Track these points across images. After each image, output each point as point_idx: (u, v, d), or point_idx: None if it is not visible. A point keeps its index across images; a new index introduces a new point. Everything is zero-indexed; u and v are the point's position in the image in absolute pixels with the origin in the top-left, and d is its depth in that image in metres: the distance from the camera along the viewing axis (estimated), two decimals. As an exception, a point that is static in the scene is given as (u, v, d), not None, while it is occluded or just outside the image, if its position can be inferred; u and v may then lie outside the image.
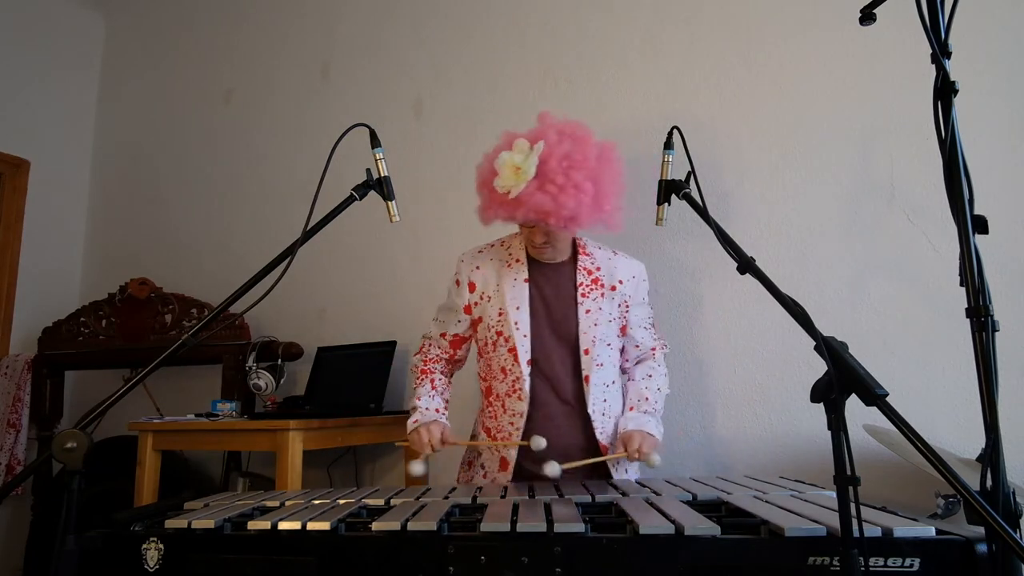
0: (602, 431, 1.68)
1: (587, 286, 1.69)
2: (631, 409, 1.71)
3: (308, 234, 1.30)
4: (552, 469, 1.46)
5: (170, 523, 1.17)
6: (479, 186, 1.62)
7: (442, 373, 1.79)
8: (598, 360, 1.68)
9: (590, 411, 1.66)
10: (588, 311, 1.67)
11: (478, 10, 2.74)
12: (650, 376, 1.76)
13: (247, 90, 3.34)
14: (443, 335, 1.80)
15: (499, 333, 1.68)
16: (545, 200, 1.47)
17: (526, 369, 1.64)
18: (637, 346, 1.79)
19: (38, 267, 3.50)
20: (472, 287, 1.73)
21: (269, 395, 2.66)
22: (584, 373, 1.66)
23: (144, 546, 1.12)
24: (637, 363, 1.81)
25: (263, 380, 2.63)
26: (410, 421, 1.68)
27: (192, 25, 3.59)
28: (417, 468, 1.58)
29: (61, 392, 3.28)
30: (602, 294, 1.69)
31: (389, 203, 1.44)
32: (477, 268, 1.74)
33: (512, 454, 1.67)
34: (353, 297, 2.86)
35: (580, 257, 1.72)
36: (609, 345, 1.71)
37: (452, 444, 1.65)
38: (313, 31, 3.17)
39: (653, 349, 1.80)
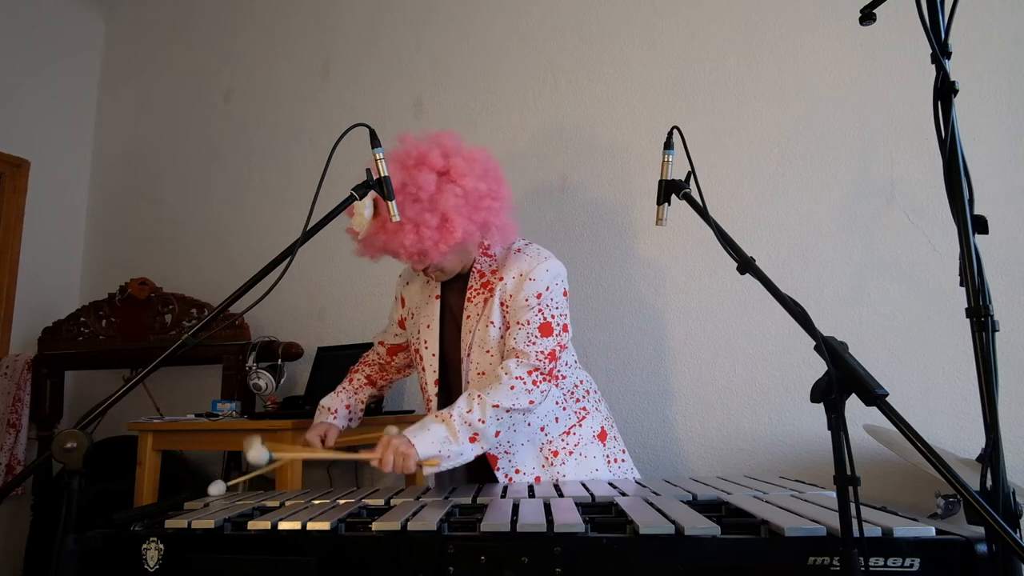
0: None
1: (475, 290, 1.60)
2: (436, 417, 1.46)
3: (308, 234, 1.30)
4: (216, 488, 1.42)
5: (170, 523, 1.17)
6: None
7: (366, 376, 1.83)
8: (478, 368, 1.56)
9: None
10: (468, 316, 1.58)
11: (478, 10, 2.74)
12: (487, 384, 1.48)
13: (247, 90, 3.34)
14: (381, 342, 1.85)
15: (416, 351, 1.68)
16: (386, 239, 1.44)
17: (432, 389, 1.63)
18: (506, 347, 1.54)
19: (38, 267, 3.50)
20: (403, 302, 1.76)
21: (269, 395, 2.66)
22: (465, 380, 1.57)
23: (144, 546, 1.12)
24: (487, 378, 1.54)
25: (263, 380, 2.63)
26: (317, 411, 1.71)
27: (192, 25, 3.59)
28: (214, 489, 1.44)
29: (61, 392, 3.28)
30: (486, 298, 1.57)
31: (389, 203, 1.44)
32: (407, 284, 1.75)
33: (428, 469, 1.50)
34: (353, 297, 2.86)
35: (478, 259, 1.61)
36: (488, 352, 1.56)
37: (324, 449, 1.60)
38: (313, 31, 3.17)
39: (516, 356, 1.50)
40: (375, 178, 1.41)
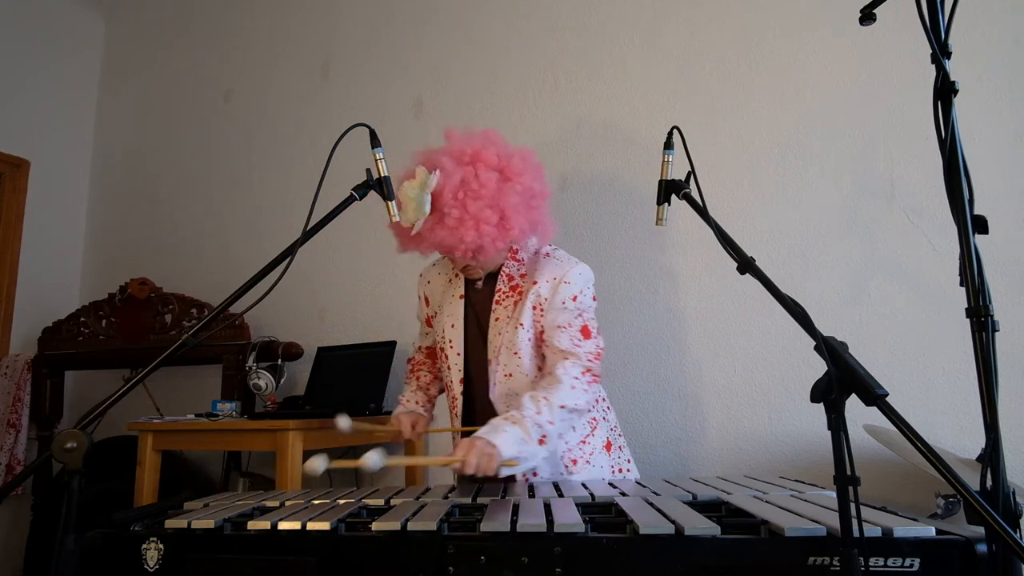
0: None
1: (504, 293, 1.60)
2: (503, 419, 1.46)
3: (308, 234, 1.30)
4: (343, 423, 1.50)
5: (170, 523, 1.17)
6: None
7: (428, 371, 1.84)
8: (505, 371, 1.57)
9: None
10: (497, 319, 1.59)
11: (478, 10, 2.74)
12: (546, 386, 1.50)
13: (247, 90, 3.34)
14: (419, 349, 1.88)
15: (441, 350, 1.69)
16: (444, 235, 1.43)
17: (459, 388, 1.64)
18: (550, 348, 1.56)
19: (38, 267, 3.50)
20: (427, 301, 1.77)
21: (269, 395, 2.66)
22: (491, 384, 1.59)
23: (144, 546, 1.12)
24: (542, 380, 1.55)
25: (263, 380, 2.63)
26: (393, 414, 1.74)
27: (192, 25, 3.59)
28: (373, 458, 1.31)
29: (61, 392, 3.28)
30: (515, 301, 1.58)
31: (389, 203, 1.44)
32: (428, 283, 1.76)
33: (458, 465, 1.58)
34: (353, 297, 2.86)
35: (506, 263, 1.62)
36: (516, 354, 1.56)
37: (426, 431, 1.70)
38: (313, 31, 3.17)
39: (566, 356, 1.53)
40: (375, 178, 1.41)
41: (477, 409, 1.64)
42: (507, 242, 1.51)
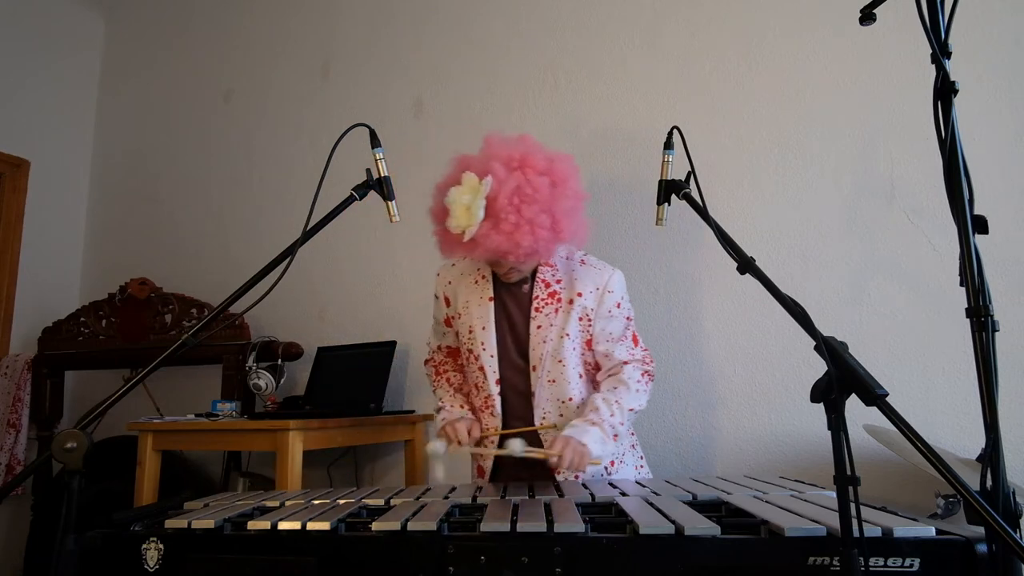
0: (551, 446, 1.56)
1: (542, 300, 1.63)
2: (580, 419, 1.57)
3: (308, 234, 1.30)
4: (518, 446, 1.46)
5: (170, 523, 1.17)
6: (434, 219, 1.57)
7: (454, 371, 1.82)
8: (548, 376, 1.62)
9: (536, 424, 1.63)
10: (539, 327, 1.62)
11: (478, 10, 2.74)
12: (614, 388, 1.61)
13: (247, 90, 3.34)
14: (439, 348, 1.84)
15: (470, 351, 1.68)
16: (501, 240, 1.43)
17: (495, 388, 1.64)
18: (606, 356, 1.65)
19: (38, 267, 3.50)
20: (447, 301, 1.74)
21: (269, 395, 2.66)
22: (532, 389, 1.63)
23: (144, 546, 1.12)
24: (606, 379, 1.66)
25: (263, 380, 2.63)
26: (438, 419, 1.70)
27: (192, 25, 3.59)
28: (516, 446, 1.46)
29: (61, 392, 3.28)
30: (557, 309, 1.62)
31: (389, 203, 1.44)
32: (449, 283, 1.74)
33: (488, 464, 1.68)
34: (353, 297, 2.86)
35: (540, 270, 1.65)
36: (561, 362, 1.62)
37: (475, 449, 1.62)
38: (313, 31, 3.17)
39: (625, 363, 1.64)
40: (375, 178, 1.42)
41: (508, 408, 1.66)
42: (558, 245, 1.54)
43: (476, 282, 1.69)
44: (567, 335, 1.61)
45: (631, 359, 1.65)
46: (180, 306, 3.06)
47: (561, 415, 1.64)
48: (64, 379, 3.31)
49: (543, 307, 1.63)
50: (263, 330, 2.92)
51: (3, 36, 3.44)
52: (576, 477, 1.54)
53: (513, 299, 1.67)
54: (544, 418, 1.64)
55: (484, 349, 1.64)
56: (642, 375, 1.65)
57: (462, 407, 1.70)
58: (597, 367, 1.69)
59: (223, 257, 3.24)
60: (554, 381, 1.63)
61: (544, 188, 1.46)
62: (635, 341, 1.69)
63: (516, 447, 1.45)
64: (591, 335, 1.64)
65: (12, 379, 3.17)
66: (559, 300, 1.63)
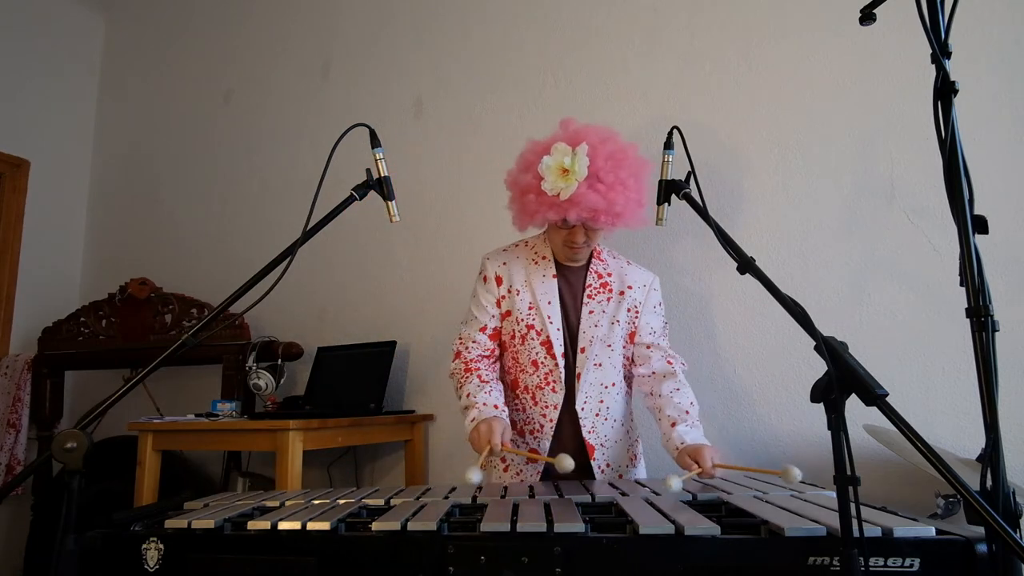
0: (591, 430, 1.70)
1: (595, 288, 1.72)
2: (674, 424, 1.59)
3: (308, 234, 1.30)
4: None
5: (170, 523, 1.17)
6: (519, 194, 1.63)
7: (488, 369, 1.73)
8: (596, 359, 1.70)
9: (578, 407, 1.68)
10: (591, 312, 1.70)
11: (478, 10, 2.74)
12: (678, 390, 1.67)
13: (247, 90, 3.34)
14: (482, 329, 1.74)
15: (530, 327, 1.71)
16: (597, 199, 1.51)
17: (562, 361, 1.68)
18: (649, 347, 1.73)
19: (38, 267, 3.50)
20: (499, 281, 1.75)
21: (269, 395, 2.66)
22: (576, 370, 1.69)
23: (144, 546, 1.12)
24: (662, 377, 1.71)
25: (263, 380, 2.63)
26: (467, 420, 1.59)
27: (192, 25, 3.59)
28: (474, 477, 1.32)
29: (61, 392, 3.28)
30: (608, 298, 1.71)
31: (389, 203, 1.44)
32: (504, 264, 1.76)
33: (545, 444, 1.70)
34: (353, 297, 2.86)
35: (593, 262, 1.75)
36: (610, 347, 1.71)
37: (508, 451, 1.53)
38: (313, 31, 3.17)
39: (670, 361, 1.72)
40: (375, 178, 1.42)
41: (573, 386, 1.70)
42: (638, 216, 1.60)
43: (536, 262, 1.74)
44: (617, 322, 1.71)
45: (675, 359, 1.75)
46: (180, 306, 3.06)
47: (601, 400, 1.70)
48: (64, 379, 3.31)
49: (595, 295, 1.72)
50: (263, 330, 2.92)
51: (3, 36, 3.44)
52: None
53: (567, 284, 1.74)
54: (586, 402, 1.69)
55: (551, 322, 1.68)
56: (684, 375, 1.75)
57: (496, 407, 1.59)
58: (631, 362, 1.77)
59: (223, 257, 3.24)
60: (600, 365, 1.70)
61: (632, 155, 1.58)
62: (668, 342, 1.80)
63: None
64: (635, 327, 1.74)
65: (12, 379, 3.17)
66: (610, 290, 1.73)
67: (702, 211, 1.33)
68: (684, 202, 1.43)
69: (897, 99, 1.99)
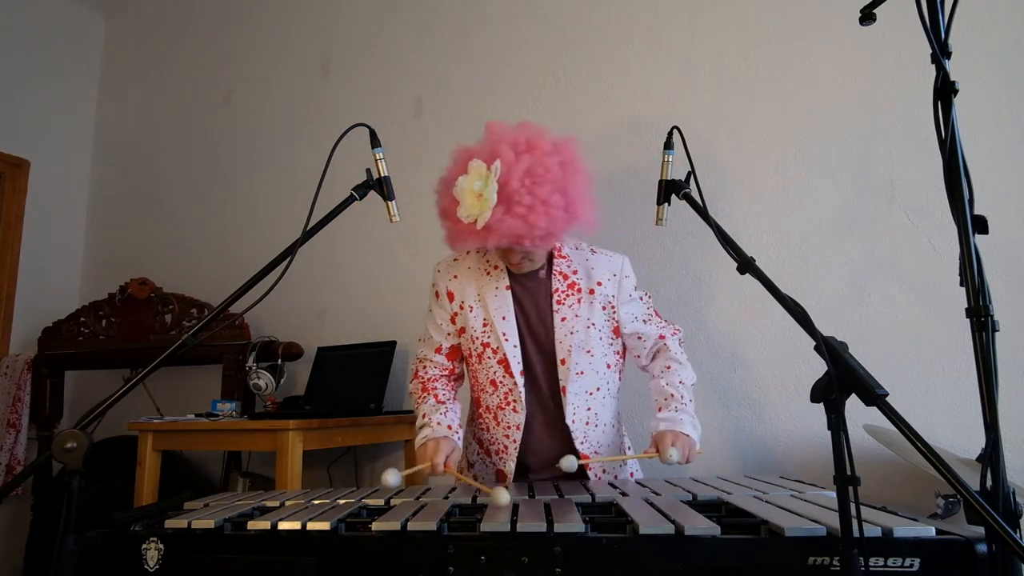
0: (583, 440, 1.62)
1: (563, 292, 1.61)
2: (659, 409, 1.58)
3: (308, 234, 1.30)
4: (569, 463, 1.38)
5: (170, 523, 1.17)
6: (442, 214, 1.53)
7: (445, 388, 1.70)
8: (577, 369, 1.59)
9: (568, 422, 1.60)
10: (564, 319, 1.59)
11: (478, 10, 2.74)
12: (668, 368, 1.63)
13: (247, 90, 3.34)
14: (438, 350, 1.70)
15: (485, 344, 1.61)
16: (515, 224, 1.39)
17: (520, 380, 1.59)
18: (639, 338, 1.66)
19: (38, 267, 3.50)
20: (451, 296, 1.66)
21: (269, 395, 2.66)
22: (561, 384, 1.59)
23: (144, 546, 1.12)
24: (653, 357, 1.68)
25: (263, 380, 2.63)
26: (419, 437, 1.59)
27: (192, 25, 3.59)
28: (392, 479, 1.28)
29: (61, 392, 3.28)
30: (579, 299, 1.60)
31: (389, 203, 1.44)
32: (455, 277, 1.67)
33: (510, 465, 1.61)
34: (353, 297, 2.86)
35: (556, 261, 1.63)
36: (590, 352, 1.60)
37: (450, 472, 1.50)
38: (313, 31, 3.17)
39: (661, 336, 1.66)
40: (375, 178, 1.42)
41: (528, 403, 1.61)
42: (572, 227, 1.49)
43: (488, 273, 1.64)
44: (593, 325, 1.60)
45: (665, 332, 1.67)
46: (180, 306, 3.06)
47: (589, 408, 1.62)
48: (64, 379, 3.31)
49: (565, 299, 1.60)
50: (263, 330, 2.92)
51: (3, 36, 3.44)
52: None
53: (527, 292, 1.62)
54: (575, 413, 1.59)
55: (506, 340, 1.58)
56: (680, 344, 1.68)
57: (449, 427, 1.58)
58: (622, 355, 1.70)
59: (223, 257, 3.24)
60: (582, 373, 1.61)
61: (555, 168, 1.44)
62: (659, 315, 1.71)
63: (567, 464, 1.39)
64: (617, 322, 1.64)
65: (12, 379, 3.17)
66: (579, 290, 1.61)
67: (702, 211, 1.33)
68: (684, 202, 1.43)
69: (897, 99, 1.99)
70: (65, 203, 3.68)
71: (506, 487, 1.25)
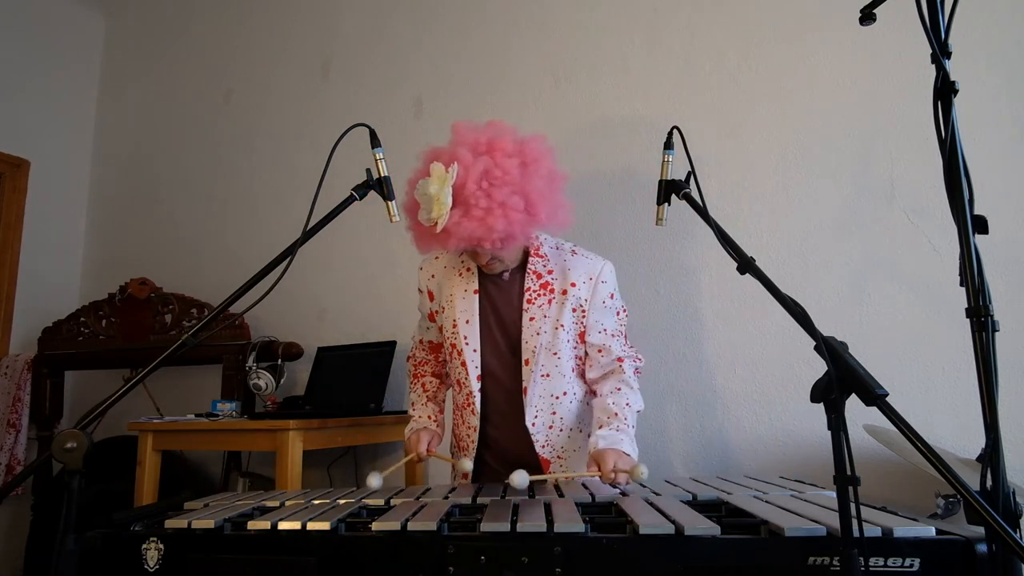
0: (544, 444, 1.61)
1: (534, 291, 1.59)
2: (600, 427, 1.52)
3: (308, 234, 1.30)
4: (520, 479, 1.35)
5: (170, 523, 1.17)
6: (407, 216, 1.54)
7: (432, 375, 1.79)
8: (542, 371, 1.58)
9: (527, 423, 1.59)
10: (532, 319, 1.58)
11: (478, 10, 2.74)
12: (618, 390, 1.58)
13: (247, 90, 3.34)
14: (422, 344, 1.82)
15: (452, 345, 1.64)
16: (473, 226, 1.40)
17: (476, 384, 1.60)
18: (600, 351, 1.61)
19: (38, 267, 3.50)
20: (431, 296, 1.71)
21: (269, 395, 2.66)
22: (523, 384, 1.58)
23: (144, 546, 1.12)
24: (604, 377, 1.62)
25: (263, 380, 2.63)
26: (407, 428, 1.71)
27: (192, 25, 3.59)
28: (374, 481, 1.43)
29: (61, 392, 3.28)
30: (550, 300, 1.58)
31: (389, 203, 1.44)
32: (432, 277, 1.71)
33: (468, 465, 1.62)
34: (353, 297, 2.86)
35: (531, 260, 1.62)
36: (556, 354, 1.59)
37: (433, 456, 1.63)
38: (313, 31, 3.17)
39: (620, 360, 1.61)
40: (375, 178, 1.42)
41: (490, 405, 1.63)
42: (534, 228, 1.49)
43: (460, 275, 1.65)
44: (561, 326, 1.58)
45: (625, 356, 1.63)
46: (180, 306, 3.06)
47: (554, 412, 1.61)
48: (64, 379, 3.31)
49: (535, 299, 1.59)
50: (263, 330, 2.92)
51: (3, 36, 3.44)
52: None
53: (500, 292, 1.63)
54: (536, 416, 1.59)
55: (467, 343, 1.60)
56: (635, 372, 1.64)
57: (430, 417, 1.70)
58: (583, 362, 1.66)
59: (223, 257, 3.24)
60: (548, 375, 1.59)
61: (514, 169, 1.43)
62: (625, 338, 1.68)
63: (517, 480, 1.35)
64: (584, 327, 1.61)
65: (12, 379, 3.17)
66: (552, 291, 1.59)
67: (702, 211, 1.33)
68: (684, 202, 1.43)
69: (897, 99, 1.99)
70: (65, 203, 3.67)
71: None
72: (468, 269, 1.65)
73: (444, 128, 2.71)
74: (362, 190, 1.39)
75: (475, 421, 1.63)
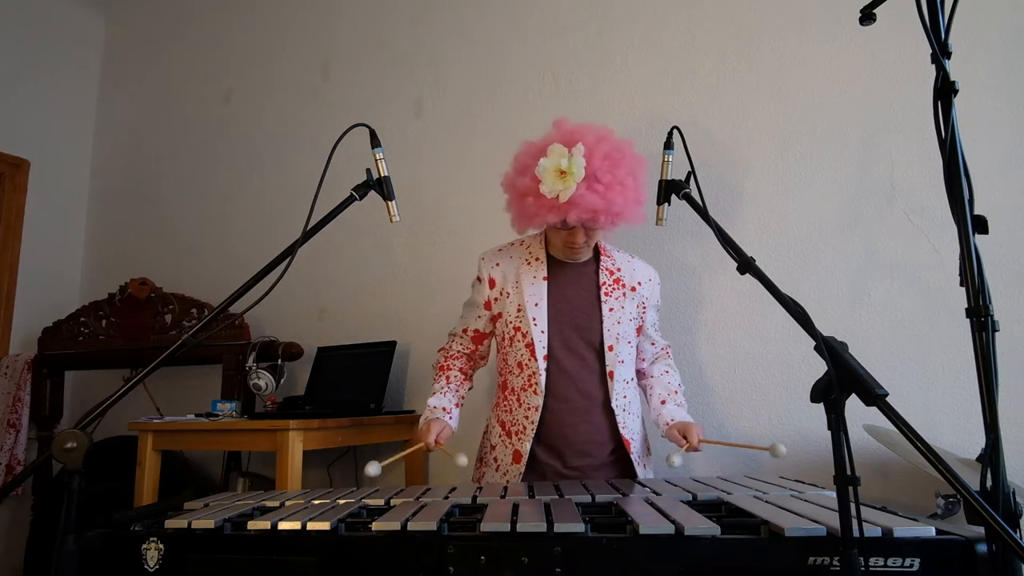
0: (623, 425, 1.72)
1: (609, 286, 1.74)
2: (663, 402, 1.76)
3: (308, 234, 1.30)
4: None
5: (170, 523, 1.17)
6: (517, 197, 1.63)
7: (460, 370, 1.83)
8: (620, 357, 1.72)
9: (614, 406, 1.70)
10: (612, 309, 1.72)
11: (478, 10, 2.74)
12: (668, 372, 1.85)
13: (247, 90, 3.34)
14: (465, 331, 1.85)
15: (516, 328, 1.72)
16: (595, 199, 1.52)
17: (542, 364, 1.68)
18: (653, 344, 1.86)
19: (38, 267, 3.50)
20: (492, 283, 1.77)
21: (269, 395, 2.66)
22: (608, 369, 1.70)
23: (144, 546, 1.12)
24: (653, 362, 1.88)
25: (263, 380, 2.63)
26: (422, 417, 1.75)
27: (192, 25, 3.59)
28: (372, 470, 1.45)
29: (61, 392, 3.28)
30: (623, 294, 1.74)
31: (389, 203, 1.44)
32: (497, 265, 1.78)
33: (526, 446, 1.69)
34: (353, 297, 2.86)
35: (602, 258, 1.78)
36: (629, 343, 1.75)
37: (439, 448, 1.65)
38: (313, 31, 3.17)
39: (666, 348, 1.89)
40: (375, 178, 1.42)
41: (552, 389, 1.70)
42: (638, 212, 1.62)
43: (528, 263, 1.75)
44: (632, 320, 1.76)
45: (667, 345, 1.90)
46: (180, 306, 3.06)
47: (625, 396, 1.73)
48: (64, 379, 3.31)
49: (611, 292, 1.74)
50: (263, 330, 2.92)
51: (3, 36, 3.44)
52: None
53: (571, 282, 1.74)
54: (622, 398, 1.72)
55: (535, 324, 1.69)
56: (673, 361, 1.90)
57: (445, 409, 1.73)
58: (638, 351, 1.84)
59: (223, 257, 3.24)
60: (623, 362, 1.73)
61: (629, 153, 1.60)
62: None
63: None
64: (642, 322, 1.80)
65: (12, 379, 3.17)
66: (623, 286, 1.75)
67: (702, 211, 1.33)
68: (684, 202, 1.43)
69: (897, 99, 1.99)
70: (65, 203, 3.67)
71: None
72: (537, 259, 1.76)
73: (444, 128, 2.74)
74: (362, 190, 1.39)
75: (538, 401, 1.69)
